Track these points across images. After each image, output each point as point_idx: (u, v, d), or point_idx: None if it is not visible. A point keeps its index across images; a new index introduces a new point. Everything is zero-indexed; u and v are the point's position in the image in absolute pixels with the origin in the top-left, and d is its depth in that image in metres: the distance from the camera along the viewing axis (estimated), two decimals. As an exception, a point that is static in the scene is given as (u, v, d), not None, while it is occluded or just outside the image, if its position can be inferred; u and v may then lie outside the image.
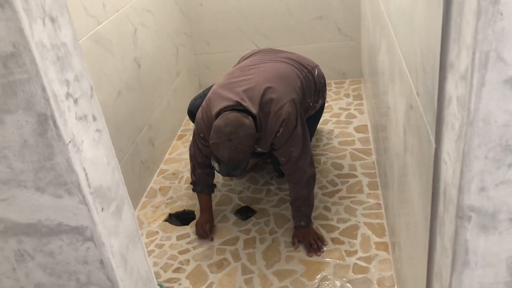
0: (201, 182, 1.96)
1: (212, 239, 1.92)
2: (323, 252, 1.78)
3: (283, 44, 2.87)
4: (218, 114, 1.74)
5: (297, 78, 1.93)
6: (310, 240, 1.80)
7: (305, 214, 1.84)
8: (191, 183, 2.00)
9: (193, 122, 2.09)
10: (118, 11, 2.05)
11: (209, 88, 2.12)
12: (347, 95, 2.85)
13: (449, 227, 0.74)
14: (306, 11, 2.84)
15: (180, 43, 2.82)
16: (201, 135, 1.85)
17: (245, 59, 2.13)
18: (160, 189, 2.27)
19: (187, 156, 2.49)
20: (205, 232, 1.91)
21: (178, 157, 2.50)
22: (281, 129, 1.74)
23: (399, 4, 1.15)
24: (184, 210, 2.12)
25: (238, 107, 1.73)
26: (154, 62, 2.44)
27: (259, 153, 2.09)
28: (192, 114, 2.13)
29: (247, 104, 1.74)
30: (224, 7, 2.88)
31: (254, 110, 1.73)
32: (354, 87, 2.93)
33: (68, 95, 0.67)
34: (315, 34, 2.90)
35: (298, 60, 2.05)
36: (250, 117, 1.71)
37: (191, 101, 2.22)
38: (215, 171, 1.85)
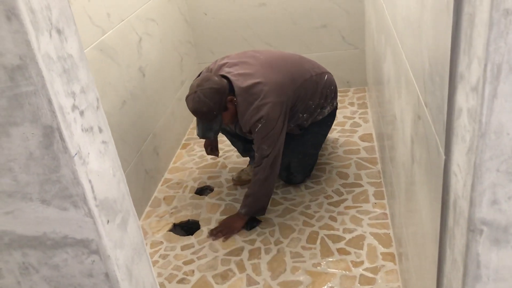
0: None
1: (218, 156, 2.33)
2: (213, 240, 1.94)
3: (287, 53, 2.88)
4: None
5: (304, 75, 2.03)
6: (221, 226, 1.97)
7: (247, 204, 1.95)
8: None
9: None
10: (123, 20, 2.06)
11: None
12: (352, 104, 2.84)
13: (460, 240, 0.72)
14: (310, 20, 2.84)
15: (185, 52, 2.83)
16: None
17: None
18: (164, 199, 2.26)
19: (191, 165, 2.49)
20: (208, 154, 2.29)
21: (183, 166, 2.49)
22: (260, 125, 1.84)
23: (406, 14, 1.15)
24: (189, 220, 2.10)
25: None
26: (159, 71, 2.44)
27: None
28: None
29: (234, 79, 1.87)
30: (228, 16, 2.88)
31: (238, 85, 1.85)
32: (359, 96, 2.93)
33: (74, 107, 0.67)
34: (319, 43, 2.90)
35: (312, 61, 2.16)
36: (224, 79, 1.85)
37: None
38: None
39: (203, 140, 2.66)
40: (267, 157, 1.88)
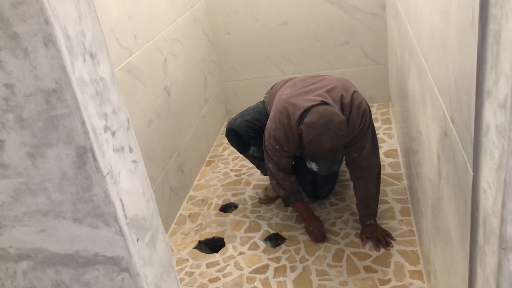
0: (293, 193, 2.02)
1: (327, 240, 1.98)
2: (392, 247, 1.85)
3: (310, 70, 2.89)
4: (302, 115, 1.78)
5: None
6: (378, 237, 1.88)
7: (374, 212, 1.92)
8: (282, 199, 2.09)
9: (232, 141, 2.16)
10: (148, 41, 2.11)
11: (249, 109, 2.19)
12: (376, 120, 2.83)
13: (491, 258, 0.71)
14: (332, 37, 2.86)
15: (208, 71, 2.87)
16: (277, 146, 1.90)
17: (284, 84, 2.10)
18: (189, 216, 2.27)
19: (215, 182, 2.50)
20: (323, 235, 1.96)
21: (207, 183, 2.51)
22: (361, 124, 1.82)
23: (430, 30, 1.15)
24: (214, 237, 2.11)
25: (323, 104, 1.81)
26: (184, 90, 2.48)
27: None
28: (234, 132, 2.15)
29: (330, 101, 1.81)
30: (251, 35, 2.92)
31: (336, 106, 1.81)
32: (383, 111, 2.91)
33: (106, 128, 0.69)
34: (342, 59, 2.91)
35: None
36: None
37: (231, 120, 2.21)
38: (314, 171, 1.85)
39: (227, 157, 2.68)
40: (370, 154, 1.87)
